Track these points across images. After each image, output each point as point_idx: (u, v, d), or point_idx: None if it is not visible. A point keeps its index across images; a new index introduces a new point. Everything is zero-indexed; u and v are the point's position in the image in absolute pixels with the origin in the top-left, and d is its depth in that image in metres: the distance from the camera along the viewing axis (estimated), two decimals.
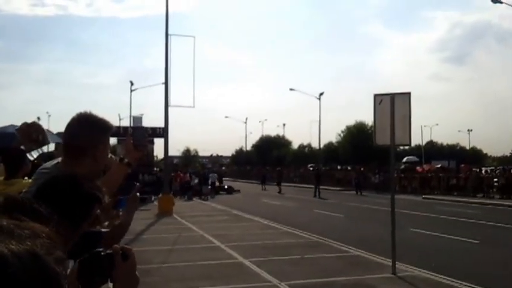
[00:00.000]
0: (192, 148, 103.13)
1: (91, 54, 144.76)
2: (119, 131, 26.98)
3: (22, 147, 4.04)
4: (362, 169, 40.62)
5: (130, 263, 1.33)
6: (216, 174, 38.37)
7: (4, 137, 5.42)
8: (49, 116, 63.32)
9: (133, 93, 42.99)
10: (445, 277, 8.74)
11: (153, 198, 26.87)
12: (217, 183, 36.75)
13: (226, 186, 39.37)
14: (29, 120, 4.77)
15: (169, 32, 22.90)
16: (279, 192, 36.96)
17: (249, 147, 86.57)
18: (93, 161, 2.31)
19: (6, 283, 0.60)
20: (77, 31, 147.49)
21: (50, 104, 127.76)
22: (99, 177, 2.38)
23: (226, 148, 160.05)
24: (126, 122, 43.54)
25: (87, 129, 2.33)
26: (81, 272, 1.28)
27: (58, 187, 1.67)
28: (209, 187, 32.49)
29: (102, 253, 1.30)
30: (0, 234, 0.67)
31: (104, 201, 1.74)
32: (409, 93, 9.44)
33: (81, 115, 2.38)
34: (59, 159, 2.41)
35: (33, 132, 4.35)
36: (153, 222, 17.75)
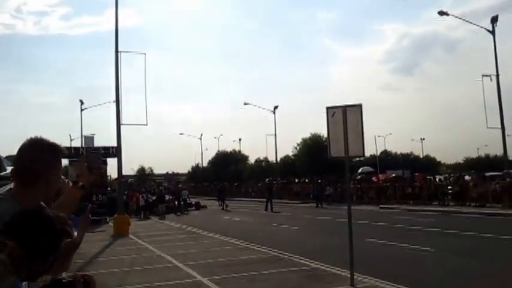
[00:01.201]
0: (146, 166, 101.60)
1: (39, 74, 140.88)
2: (71, 152, 26.29)
3: None
4: (319, 181, 40.96)
5: None
6: (187, 191, 40.42)
7: None
8: None
9: (84, 112, 42.36)
10: (403, 287, 8.84)
11: (107, 219, 26.30)
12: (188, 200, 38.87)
13: (193, 203, 39.79)
14: None
15: (119, 48, 22.42)
16: (223, 208, 36.74)
17: (205, 164, 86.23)
18: (46, 186, 2.26)
19: None
20: (25, 50, 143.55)
21: None
22: (52, 202, 2.33)
23: (182, 165, 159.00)
24: (77, 142, 42.64)
25: (38, 154, 2.28)
26: None
27: (26, 222, 1.64)
28: (181, 203, 35.75)
29: (64, 280, 1.30)
30: None
31: (72, 234, 1.72)
32: (360, 105, 9.56)
33: (31, 140, 2.32)
34: (11, 185, 2.33)
35: None
36: (109, 243, 17.31)
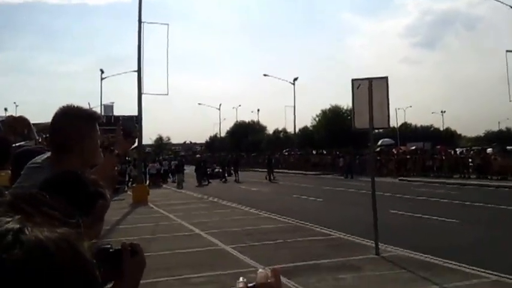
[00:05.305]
0: (164, 135, 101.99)
1: (60, 42, 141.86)
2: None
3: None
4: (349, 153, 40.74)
5: (138, 259, 1.35)
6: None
7: None
8: (16, 106, 61.47)
9: (103, 81, 42.16)
10: (427, 255, 8.78)
11: (126, 188, 26.68)
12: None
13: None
14: None
15: (142, 19, 22.61)
16: (236, 181, 36.18)
17: (223, 134, 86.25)
18: (81, 153, 2.26)
19: (47, 268, 0.59)
20: (46, 19, 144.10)
21: (17, 94, 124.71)
22: (89, 169, 2.31)
23: (200, 135, 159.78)
24: (96, 111, 42.63)
25: (72, 121, 2.28)
26: None
27: (62, 184, 1.62)
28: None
29: (111, 250, 1.29)
30: (30, 222, 0.64)
31: (107, 197, 1.70)
32: (386, 78, 9.57)
33: (65, 108, 2.32)
34: (48, 154, 2.34)
35: (18, 126, 4.13)
36: (129, 211, 17.47)
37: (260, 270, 0.89)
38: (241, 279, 0.86)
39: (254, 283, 0.86)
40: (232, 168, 39.68)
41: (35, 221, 0.64)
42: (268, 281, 0.87)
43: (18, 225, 0.62)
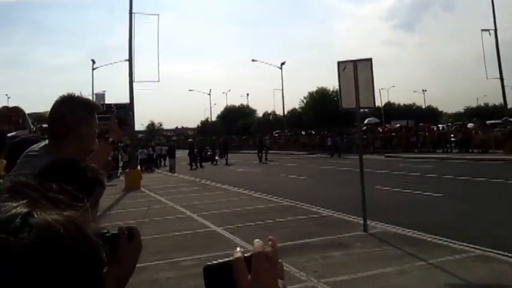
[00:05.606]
0: (156, 121, 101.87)
1: (52, 35, 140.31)
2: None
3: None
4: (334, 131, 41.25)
5: (135, 243, 1.33)
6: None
7: None
8: (8, 98, 61.13)
9: (95, 71, 41.90)
10: (414, 231, 9.01)
11: (118, 173, 26.76)
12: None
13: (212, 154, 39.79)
14: None
15: (133, 10, 23.46)
16: (216, 164, 36.54)
17: (214, 118, 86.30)
18: (78, 140, 2.32)
19: (58, 250, 0.59)
20: (40, 13, 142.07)
21: (9, 87, 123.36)
22: (86, 157, 2.37)
23: (191, 120, 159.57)
24: None
25: (70, 108, 2.33)
26: None
27: (60, 171, 1.62)
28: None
29: (107, 234, 1.27)
30: (37, 205, 0.63)
31: (104, 184, 1.73)
32: (370, 59, 9.86)
33: (65, 96, 2.37)
34: (46, 142, 2.39)
35: (14, 116, 4.19)
36: (121, 196, 17.57)
37: (256, 240, 0.89)
38: (238, 249, 0.87)
39: (251, 253, 0.86)
40: (222, 150, 39.74)
41: (42, 205, 0.64)
42: (265, 249, 0.87)
43: (26, 209, 0.61)
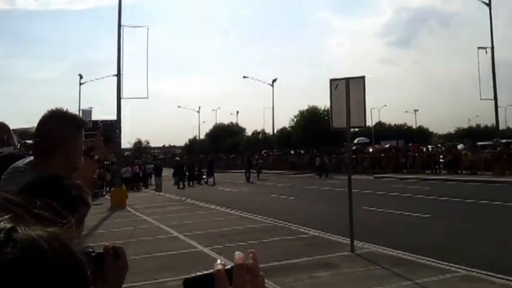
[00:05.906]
0: (143, 139, 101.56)
1: (37, 48, 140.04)
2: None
3: None
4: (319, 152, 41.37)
5: (121, 262, 1.32)
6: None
7: None
8: None
9: (81, 86, 41.71)
10: (401, 252, 9.00)
11: (104, 192, 26.43)
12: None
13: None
14: None
15: (122, 23, 22.69)
16: (206, 183, 35.56)
17: (202, 136, 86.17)
18: (64, 157, 2.28)
19: (42, 266, 0.59)
20: (23, 25, 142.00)
21: None
22: (72, 174, 2.31)
23: (179, 138, 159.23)
24: None
25: (57, 124, 2.29)
26: None
27: (44, 187, 1.58)
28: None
29: (93, 254, 1.25)
30: (21, 221, 0.63)
31: (88, 202, 1.68)
32: (363, 77, 9.78)
33: (52, 111, 2.33)
34: (31, 158, 2.35)
35: None
36: (107, 216, 17.35)
37: (237, 252, 0.87)
38: (218, 261, 0.85)
39: (231, 265, 0.84)
40: (208, 170, 38.27)
41: (26, 220, 0.63)
42: (246, 261, 0.86)
43: (10, 225, 0.61)
